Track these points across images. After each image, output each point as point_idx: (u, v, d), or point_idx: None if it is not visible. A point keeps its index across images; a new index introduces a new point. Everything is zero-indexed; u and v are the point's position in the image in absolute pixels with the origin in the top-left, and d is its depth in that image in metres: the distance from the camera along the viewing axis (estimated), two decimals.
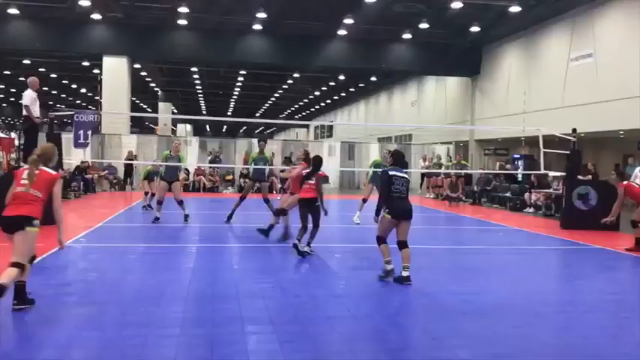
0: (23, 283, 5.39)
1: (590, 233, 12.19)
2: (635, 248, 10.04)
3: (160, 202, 12.31)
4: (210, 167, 24.24)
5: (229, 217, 12.30)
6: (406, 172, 7.52)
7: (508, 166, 24.16)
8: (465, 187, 21.19)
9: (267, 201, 12.34)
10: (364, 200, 12.95)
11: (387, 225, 7.25)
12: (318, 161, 9.11)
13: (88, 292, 6.45)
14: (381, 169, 9.83)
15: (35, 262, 6.07)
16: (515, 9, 21.32)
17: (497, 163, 26.09)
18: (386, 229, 7.26)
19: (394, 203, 7.20)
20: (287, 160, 23.48)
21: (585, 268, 9.15)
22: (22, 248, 5.33)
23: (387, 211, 7.24)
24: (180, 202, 12.39)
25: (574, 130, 13.91)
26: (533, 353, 4.72)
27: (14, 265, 5.19)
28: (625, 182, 10.52)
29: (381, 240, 7.23)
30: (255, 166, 12.52)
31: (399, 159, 7.66)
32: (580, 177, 14.11)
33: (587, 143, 20.94)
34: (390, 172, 7.32)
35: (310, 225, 8.81)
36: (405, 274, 6.95)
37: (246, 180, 23.76)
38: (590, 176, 15.01)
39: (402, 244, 7.15)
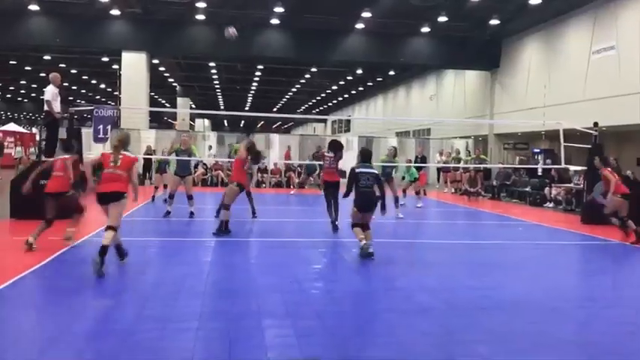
0: (120, 242, 7.17)
1: (612, 228, 12.00)
2: (637, 241, 10.14)
3: (171, 197, 12.10)
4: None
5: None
6: (372, 168, 8.51)
7: (523, 158, 23.91)
8: (484, 182, 21.01)
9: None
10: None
11: (357, 215, 8.28)
12: (337, 145, 10.58)
13: (108, 285, 6.52)
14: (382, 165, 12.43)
15: (58, 254, 6.77)
16: (535, 1, 21.06)
17: (517, 158, 25.85)
18: (357, 218, 8.28)
19: (360, 197, 8.24)
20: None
21: (606, 264, 9.03)
22: (116, 215, 6.90)
23: (355, 205, 8.26)
24: (190, 197, 12.14)
25: (595, 124, 13.71)
26: (551, 349, 4.67)
27: (111, 228, 6.76)
28: (608, 168, 10.75)
29: (355, 225, 8.26)
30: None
31: (365, 156, 8.62)
32: None
33: (608, 137, 20.63)
34: (357, 170, 8.30)
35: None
36: (369, 249, 8.03)
37: (264, 175, 24.07)
38: None
39: (365, 227, 8.29)
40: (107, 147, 18.75)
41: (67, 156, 8.75)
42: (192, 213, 12.16)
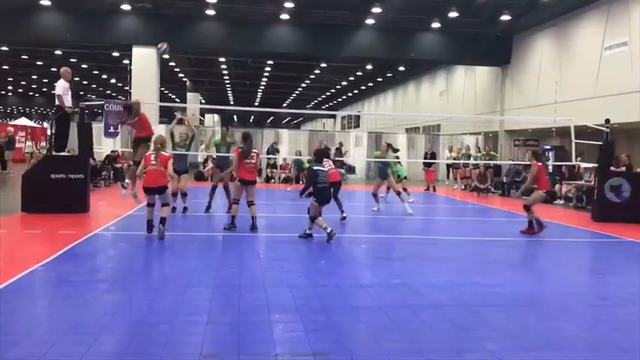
0: (164, 218, 8.95)
1: (623, 226, 11.95)
2: (529, 230, 10.65)
3: (174, 194, 11.75)
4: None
5: (208, 208, 12.31)
6: (327, 166, 9.79)
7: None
8: (494, 178, 20.93)
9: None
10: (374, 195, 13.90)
11: (316, 209, 9.26)
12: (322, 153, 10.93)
13: (118, 278, 6.56)
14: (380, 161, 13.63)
15: (69, 247, 6.65)
16: None
17: (527, 154, 25.71)
18: (316, 210, 9.27)
19: (320, 192, 9.23)
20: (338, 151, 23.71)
21: (617, 261, 8.96)
22: (167, 200, 9.25)
23: (315, 199, 9.22)
24: (184, 195, 12.08)
25: (607, 121, 13.59)
26: (561, 346, 4.65)
27: (166, 205, 9.17)
28: (540, 164, 11.03)
29: (314, 218, 9.24)
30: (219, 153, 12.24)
31: (320, 156, 9.90)
32: (613, 168, 13.80)
33: (620, 134, 20.46)
34: (315, 168, 9.36)
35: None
36: (329, 230, 9.17)
37: (273, 170, 24.10)
38: (624, 168, 14.65)
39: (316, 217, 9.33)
40: (117, 142, 18.88)
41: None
42: (185, 209, 12.15)
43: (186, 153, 12.25)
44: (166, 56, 14.26)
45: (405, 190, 15.21)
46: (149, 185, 8.89)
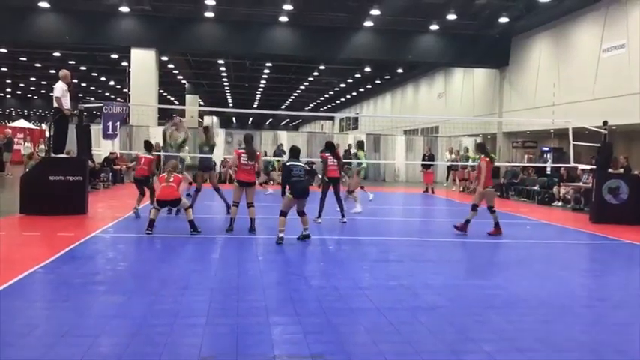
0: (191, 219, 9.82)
1: (621, 228, 11.98)
2: (495, 232, 10.70)
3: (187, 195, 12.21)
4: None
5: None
6: (300, 161, 9.69)
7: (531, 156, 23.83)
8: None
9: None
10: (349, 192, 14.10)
11: (289, 203, 9.32)
12: (330, 145, 11.63)
13: (117, 280, 6.56)
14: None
15: (67, 249, 6.86)
16: None
17: (526, 156, 25.77)
18: (288, 205, 9.34)
19: (295, 186, 9.25)
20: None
21: (615, 263, 8.98)
22: (183, 205, 9.92)
23: (289, 192, 9.27)
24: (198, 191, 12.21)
25: (605, 123, 13.63)
26: (559, 348, 4.66)
27: (188, 208, 9.91)
28: (487, 159, 10.95)
29: (283, 214, 9.28)
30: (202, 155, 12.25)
31: (294, 153, 9.80)
32: (611, 170, 13.83)
33: (618, 136, 20.51)
34: (288, 164, 9.49)
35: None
36: (306, 233, 9.43)
37: (272, 172, 24.06)
38: (621, 170, 14.68)
39: (302, 214, 9.49)
40: (116, 144, 18.87)
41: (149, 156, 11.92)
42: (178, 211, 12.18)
43: (176, 154, 12.51)
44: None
45: (362, 188, 15.77)
46: (164, 199, 9.73)
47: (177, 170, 10.36)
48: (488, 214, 10.82)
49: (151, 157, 12.09)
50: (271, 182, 21.91)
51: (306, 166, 10.47)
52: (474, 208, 10.77)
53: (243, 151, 10.16)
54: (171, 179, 9.75)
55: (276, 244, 8.96)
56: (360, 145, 15.23)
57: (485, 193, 10.82)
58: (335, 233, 10.47)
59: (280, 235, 9.17)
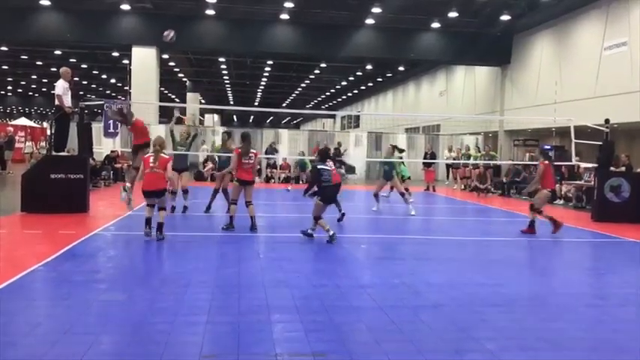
0: (161, 223, 8.88)
1: (623, 226, 11.96)
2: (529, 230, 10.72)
3: (174, 192, 11.90)
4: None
5: (208, 208, 12.32)
6: (330, 166, 9.47)
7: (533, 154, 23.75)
8: (494, 178, 20.93)
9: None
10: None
11: (320, 208, 9.28)
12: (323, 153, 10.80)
13: (118, 278, 6.56)
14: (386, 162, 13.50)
15: (69, 247, 6.84)
16: None
17: (527, 154, 25.72)
18: (320, 210, 9.29)
19: (325, 191, 9.20)
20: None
21: (617, 261, 8.96)
22: (163, 204, 9.01)
23: (319, 198, 9.22)
24: (186, 192, 12.22)
25: (607, 121, 13.60)
26: (561, 346, 4.65)
27: (162, 209, 8.93)
28: (546, 162, 10.98)
29: (317, 218, 9.24)
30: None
31: (324, 155, 9.63)
32: (613, 169, 13.81)
33: (620, 134, 20.47)
34: (319, 167, 9.35)
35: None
36: (331, 234, 9.10)
37: (273, 170, 24.11)
38: (623, 168, 14.65)
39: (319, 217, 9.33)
40: (117, 142, 18.88)
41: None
42: (185, 208, 12.21)
43: (187, 153, 12.28)
44: (170, 35, 14.46)
45: (407, 190, 15.17)
46: (148, 188, 8.83)
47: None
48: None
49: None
50: (292, 181, 22.03)
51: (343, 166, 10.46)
52: (533, 208, 10.81)
53: (240, 148, 10.15)
54: (156, 163, 8.79)
55: (328, 244, 8.96)
56: (394, 148, 14.46)
57: (542, 194, 10.89)
58: (338, 231, 10.43)
59: (330, 233, 9.07)
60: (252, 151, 10.22)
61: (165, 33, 14.60)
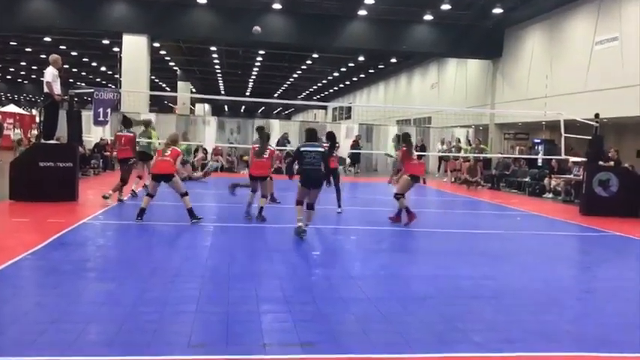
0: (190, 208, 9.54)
1: (610, 220, 12.07)
2: (396, 218, 10.54)
3: (140, 177, 12.77)
4: (230, 147, 24.34)
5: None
6: (318, 146, 8.86)
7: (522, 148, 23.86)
8: (484, 172, 21.02)
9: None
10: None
11: (301, 192, 8.67)
12: (332, 136, 11.23)
13: (107, 268, 6.55)
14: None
15: (57, 236, 7.00)
16: None
17: (517, 148, 25.84)
18: (301, 195, 8.67)
19: (304, 174, 8.58)
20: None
21: (604, 255, 9.06)
22: (178, 188, 9.54)
23: (300, 182, 8.65)
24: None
25: (596, 115, 13.68)
26: (548, 339, 4.69)
27: (185, 194, 9.54)
28: (404, 148, 10.64)
29: (299, 203, 8.65)
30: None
31: (311, 136, 8.99)
32: (601, 163, 13.91)
33: (609, 129, 20.60)
34: (302, 149, 8.74)
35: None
36: (304, 228, 8.51)
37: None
38: (612, 162, 14.77)
39: (310, 206, 8.71)
40: (107, 130, 18.75)
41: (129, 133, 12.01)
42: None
43: (150, 140, 13.00)
44: (258, 30, 15.32)
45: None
46: (157, 172, 9.45)
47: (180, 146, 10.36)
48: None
49: (132, 134, 12.07)
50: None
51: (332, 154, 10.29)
52: (396, 196, 10.60)
53: (257, 145, 10.37)
54: (168, 152, 9.48)
55: (296, 235, 8.53)
56: (399, 137, 14.38)
57: (402, 179, 10.62)
58: (327, 222, 10.46)
59: (299, 224, 8.55)
60: (269, 148, 10.43)
61: (255, 29, 15.49)
